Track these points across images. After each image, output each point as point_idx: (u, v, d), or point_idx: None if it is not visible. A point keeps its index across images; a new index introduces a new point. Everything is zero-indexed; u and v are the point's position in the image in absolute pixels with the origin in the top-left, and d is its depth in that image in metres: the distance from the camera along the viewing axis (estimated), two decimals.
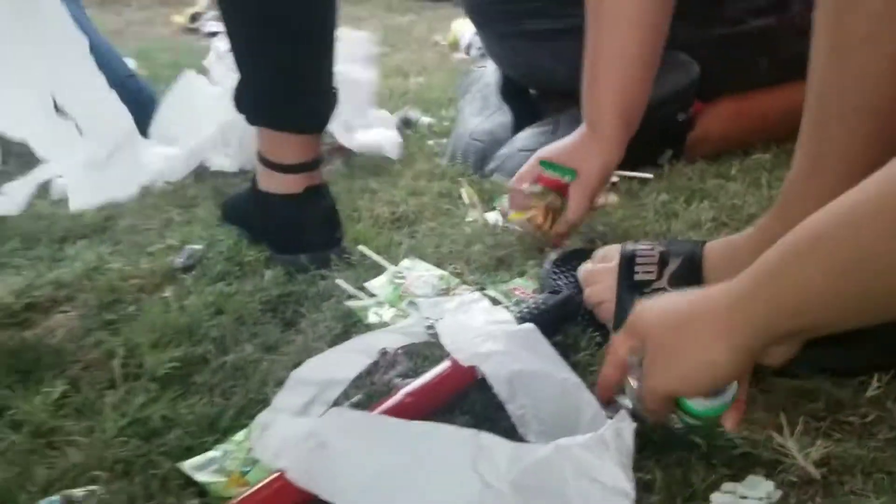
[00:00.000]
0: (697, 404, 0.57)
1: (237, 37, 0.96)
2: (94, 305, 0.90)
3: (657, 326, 0.57)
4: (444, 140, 1.46)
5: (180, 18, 3.31)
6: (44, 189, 1.27)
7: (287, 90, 0.96)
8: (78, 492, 0.59)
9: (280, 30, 0.92)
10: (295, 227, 0.98)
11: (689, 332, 0.55)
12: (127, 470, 0.62)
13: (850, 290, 0.48)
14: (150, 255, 1.01)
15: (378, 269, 0.94)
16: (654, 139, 1.17)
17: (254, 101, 0.98)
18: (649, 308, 0.60)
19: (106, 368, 0.77)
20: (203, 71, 2.17)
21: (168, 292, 0.92)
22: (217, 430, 0.66)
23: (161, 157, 1.30)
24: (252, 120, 0.99)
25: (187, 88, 1.40)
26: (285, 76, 0.95)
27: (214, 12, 3.47)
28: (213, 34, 3.00)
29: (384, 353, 0.74)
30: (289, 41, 0.93)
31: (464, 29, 2.31)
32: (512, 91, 1.34)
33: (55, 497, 0.58)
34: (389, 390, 0.69)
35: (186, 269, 0.98)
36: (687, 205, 1.07)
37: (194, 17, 3.27)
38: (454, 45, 2.37)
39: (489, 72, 1.42)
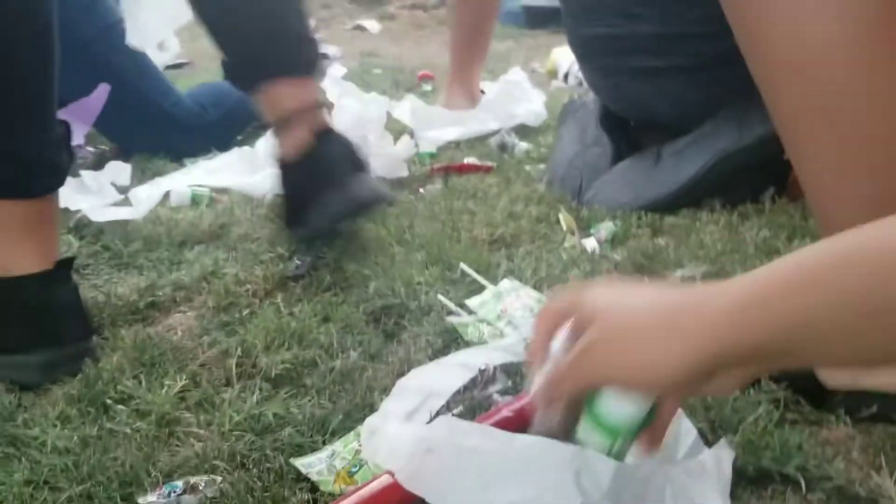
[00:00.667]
0: (609, 408, 0.52)
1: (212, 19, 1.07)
2: (211, 307, 0.96)
3: (613, 308, 0.51)
4: (541, 166, 1.48)
5: None
6: (163, 196, 1.36)
7: (268, 44, 1.04)
8: (199, 479, 0.63)
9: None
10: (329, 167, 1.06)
11: (645, 322, 0.49)
12: (243, 462, 0.67)
13: (826, 323, 0.43)
14: (261, 263, 1.07)
15: (478, 288, 0.97)
16: (757, 176, 1.17)
17: (242, 67, 1.08)
18: (608, 288, 0.54)
19: (222, 366, 0.82)
20: None
21: (279, 299, 0.97)
22: (326, 430, 0.70)
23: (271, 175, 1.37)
24: (245, 85, 1.09)
25: None
26: (263, 35, 1.04)
27: (320, 33, 3.60)
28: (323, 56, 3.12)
29: (484, 369, 0.76)
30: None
31: (562, 57, 2.33)
32: (612, 121, 1.36)
33: (178, 482, 0.63)
34: (489, 406, 0.72)
35: (295, 277, 1.03)
36: (788, 242, 1.06)
37: None
38: (552, 73, 2.40)
39: (589, 101, 1.45)
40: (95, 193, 1.35)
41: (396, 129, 1.65)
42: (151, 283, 1.02)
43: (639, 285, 0.55)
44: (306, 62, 1.06)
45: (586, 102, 1.46)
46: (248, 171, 1.41)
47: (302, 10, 1.07)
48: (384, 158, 1.45)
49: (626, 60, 1.28)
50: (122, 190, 1.41)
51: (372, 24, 3.92)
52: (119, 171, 1.48)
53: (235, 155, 1.46)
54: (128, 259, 1.13)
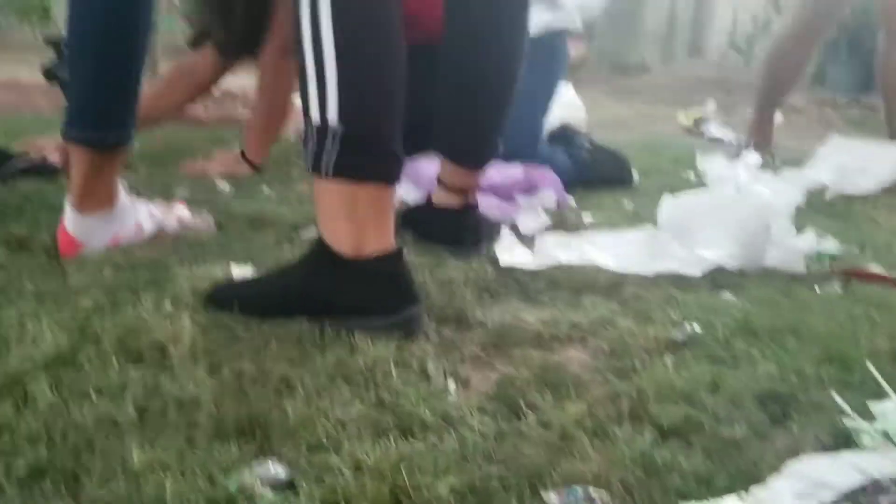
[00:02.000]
0: None
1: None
2: (605, 352, 1.05)
3: None
4: None
5: (684, 119, 3.53)
6: None
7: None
8: (597, 492, 0.72)
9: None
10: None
11: None
12: (631, 491, 0.74)
13: None
14: (652, 323, 1.14)
15: (877, 394, 0.93)
16: None
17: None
18: None
19: (614, 405, 0.90)
20: (700, 174, 2.31)
21: (667, 359, 1.03)
22: (712, 487, 0.75)
23: (678, 256, 1.42)
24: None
25: (715, 197, 1.51)
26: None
27: (719, 118, 3.63)
28: (716, 140, 3.15)
29: (879, 478, 0.75)
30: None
31: None
32: None
33: (578, 487, 0.72)
34: None
35: (683, 344, 1.09)
36: None
37: (698, 121, 3.46)
38: None
39: None
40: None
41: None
42: (554, 318, 1.14)
43: None
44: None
45: None
46: (652, 254, 1.43)
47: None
48: (782, 250, 1.44)
49: None
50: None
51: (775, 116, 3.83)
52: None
53: (643, 234, 1.52)
54: (532, 294, 1.27)
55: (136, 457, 0.73)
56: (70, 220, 1.29)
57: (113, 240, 1.33)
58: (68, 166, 1.35)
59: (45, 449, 0.74)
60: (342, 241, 1.05)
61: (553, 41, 2.00)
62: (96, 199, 1.30)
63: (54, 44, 2.11)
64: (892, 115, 2.48)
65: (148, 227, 1.40)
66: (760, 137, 2.80)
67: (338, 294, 1.05)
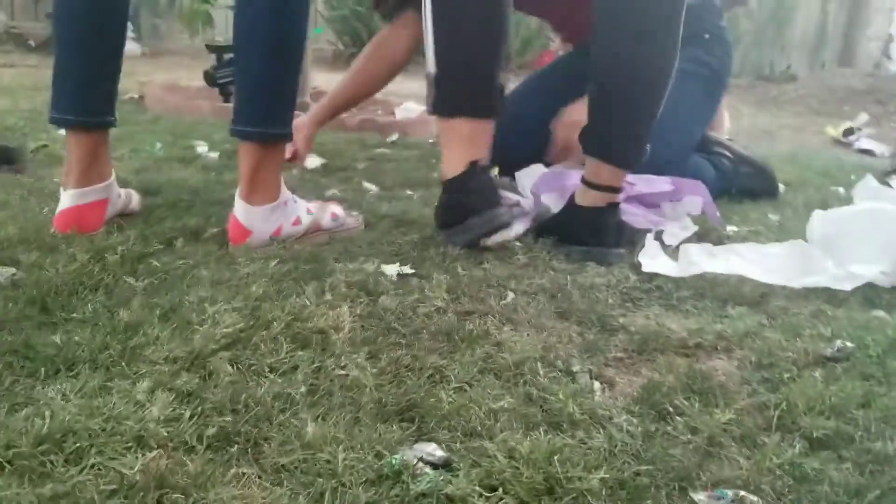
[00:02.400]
0: None
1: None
2: (752, 362, 1.05)
3: None
4: None
5: (833, 130, 3.39)
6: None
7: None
8: (749, 496, 0.73)
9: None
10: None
11: None
12: (780, 496, 0.75)
13: None
14: (801, 337, 1.13)
15: None
16: None
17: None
18: None
19: (761, 415, 0.91)
20: (849, 185, 2.22)
21: (817, 373, 1.02)
22: (863, 499, 0.74)
23: (828, 271, 1.38)
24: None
25: (867, 212, 1.47)
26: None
27: (870, 129, 3.46)
28: (866, 151, 3.01)
29: None
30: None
31: None
32: None
33: (727, 490, 0.74)
34: None
35: (834, 359, 1.07)
36: None
37: (848, 132, 3.31)
38: None
39: None
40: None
41: None
42: (700, 327, 1.14)
43: None
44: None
45: None
46: (800, 268, 1.41)
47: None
48: None
49: None
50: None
51: None
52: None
53: (791, 247, 1.49)
54: (675, 302, 1.28)
55: (311, 429, 0.80)
56: (240, 210, 1.41)
57: (276, 231, 1.43)
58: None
59: (230, 417, 0.83)
60: (445, 168, 1.39)
61: (723, 63, 2.02)
62: (263, 191, 1.41)
63: (217, 49, 2.26)
64: None
65: (306, 222, 1.49)
66: None
67: (444, 213, 1.46)
